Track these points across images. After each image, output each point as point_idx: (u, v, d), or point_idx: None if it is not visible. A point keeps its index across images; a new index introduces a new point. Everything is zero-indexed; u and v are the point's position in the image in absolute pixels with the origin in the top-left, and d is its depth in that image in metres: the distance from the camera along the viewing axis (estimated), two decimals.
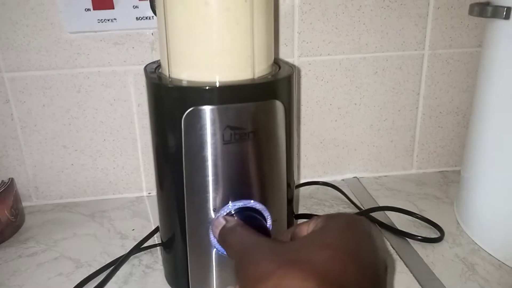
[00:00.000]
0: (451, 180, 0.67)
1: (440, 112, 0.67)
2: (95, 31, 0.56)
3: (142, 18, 0.56)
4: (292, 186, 0.44)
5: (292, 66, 0.42)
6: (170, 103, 0.38)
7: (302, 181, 0.67)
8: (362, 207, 0.59)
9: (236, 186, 0.39)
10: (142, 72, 0.58)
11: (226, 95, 0.37)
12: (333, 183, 0.65)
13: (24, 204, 0.62)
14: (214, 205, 0.39)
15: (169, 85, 0.38)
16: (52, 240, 0.54)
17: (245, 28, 0.37)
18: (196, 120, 0.36)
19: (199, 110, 0.36)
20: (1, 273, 0.49)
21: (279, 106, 0.39)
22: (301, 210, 0.59)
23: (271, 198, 0.41)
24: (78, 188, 0.63)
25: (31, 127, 0.59)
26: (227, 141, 0.37)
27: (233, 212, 0.39)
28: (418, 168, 0.70)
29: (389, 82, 0.64)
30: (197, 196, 0.38)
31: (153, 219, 0.58)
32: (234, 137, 0.37)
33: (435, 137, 0.68)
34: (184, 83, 0.38)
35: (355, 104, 0.65)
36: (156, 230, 0.54)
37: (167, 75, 0.39)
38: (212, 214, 0.39)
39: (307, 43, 0.61)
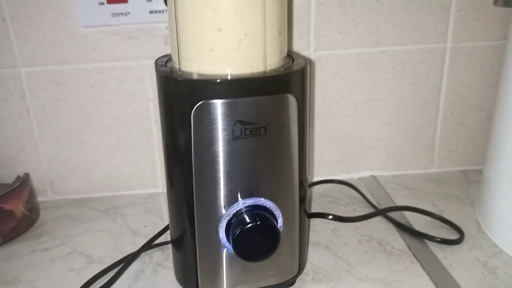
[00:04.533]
0: (472, 180, 0.64)
1: (462, 109, 0.64)
2: (109, 25, 0.56)
3: (155, 12, 0.55)
4: (305, 184, 0.43)
5: (306, 59, 0.41)
6: (179, 96, 0.37)
7: (316, 179, 0.66)
8: (378, 207, 0.57)
9: (246, 183, 0.38)
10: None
11: (236, 88, 0.35)
12: (349, 182, 0.64)
13: (40, 199, 0.62)
14: (224, 202, 0.38)
15: (179, 78, 0.37)
16: (65, 236, 0.55)
17: (257, 17, 0.36)
18: (205, 114, 0.35)
19: (208, 104, 0.35)
20: (15, 267, 0.49)
21: (291, 101, 0.37)
22: (315, 209, 0.58)
23: (283, 196, 0.39)
24: (93, 183, 0.63)
25: (46, 122, 0.60)
26: (237, 137, 0.36)
27: (243, 210, 0.38)
28: (439, 166, 0.67)
29: (409, 77, 0.62)
30: (206, 193, 0.38)
31: (166, 216, 0.58)
32: (244, 133, 0.36)
33: (456, 134, 0.66)
34: (194, 76, 0.37)
35: (373, 99, 0.63)
36: (167, 227, 0.53)
37: (177, 68, 0.39)
38: (223, 211, 0.38)
39: (324, 36, 0.59)
